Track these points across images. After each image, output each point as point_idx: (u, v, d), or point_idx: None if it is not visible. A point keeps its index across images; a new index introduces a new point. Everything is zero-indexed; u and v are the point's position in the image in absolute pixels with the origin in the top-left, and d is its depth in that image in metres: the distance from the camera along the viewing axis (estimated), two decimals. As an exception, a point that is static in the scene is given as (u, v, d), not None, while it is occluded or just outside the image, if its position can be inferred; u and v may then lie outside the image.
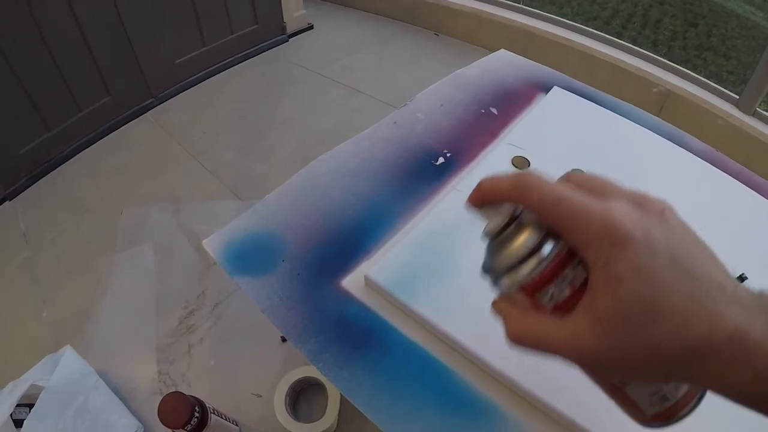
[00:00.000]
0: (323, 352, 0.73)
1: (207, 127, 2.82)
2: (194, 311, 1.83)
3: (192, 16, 2.93)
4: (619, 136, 1.15)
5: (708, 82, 2.84)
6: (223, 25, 3.15)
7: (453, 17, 3.65)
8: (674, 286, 0.32)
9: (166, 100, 2.97)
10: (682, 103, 2.86)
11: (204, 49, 3.10)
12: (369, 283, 0.79)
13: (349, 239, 0.88)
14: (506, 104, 1.22)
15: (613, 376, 0.38)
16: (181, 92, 3.04)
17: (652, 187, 0.94)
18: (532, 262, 0.37)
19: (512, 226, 0.39)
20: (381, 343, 0.74)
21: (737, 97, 2.73)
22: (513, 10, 3.45)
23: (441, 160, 1.04)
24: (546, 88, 1.27)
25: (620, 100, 1.31)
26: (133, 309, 1.87)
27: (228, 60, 3.28)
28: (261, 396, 1.57)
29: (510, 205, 0.39)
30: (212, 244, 0.88)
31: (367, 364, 0.72)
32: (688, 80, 2.90)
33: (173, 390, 1.21)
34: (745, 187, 1.07)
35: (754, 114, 2.69)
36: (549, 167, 1.01)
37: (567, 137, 1.12)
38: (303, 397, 1.55)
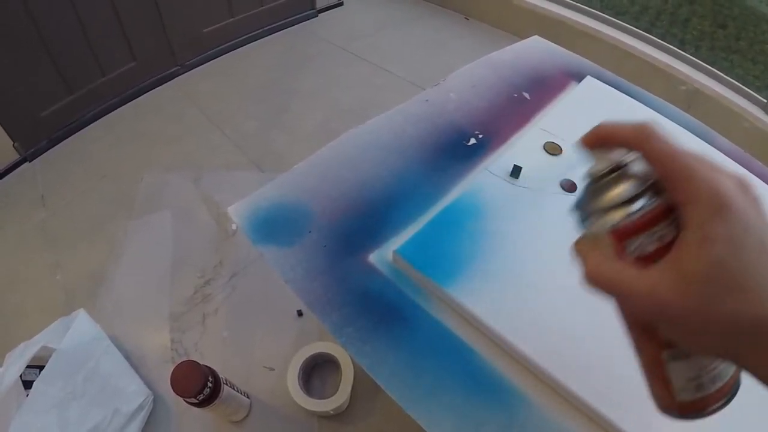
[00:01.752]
0: (347, 326, 0.73)
1: (231, 98, 2.81)
2: (210, 281, 1.82)
3: (221, -15, 2.91)
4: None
5: (737, 83, 2.80)
6: (252, -3, 3.13)
7: (484, 2, 3.61)
8: (759, 264, 0.32)
9: (192, 69, 2.96)
10: (709, 103, 2.83)
11: (232, 19, 3.07)
12: (396, 259, 0.78)
13: (378, 214, 0.87)
14: (539, 90, 1.21)
15: (675, 338, 0.38)
16: (207, 62, 3.02)
17: None
18: (629, 208, 0.37)
19: (618, 172, 0.38)
20: (406, 320, 0.74)
21: (765, 101, 2.69)
22: (542, -1, 3.42)
23: (473, 140, 1.03)
24: (579, 77, 1.25)
25: (652, 95, 1.31)
26: (147, 275, 1.87)
27: (256, 32, 3.25)
28: (274, 369, 1.57)
29: (620, 152, 0.39)
30: (237, 212, 0.87)
31: (391, 341, 0.71)
32: (716, 80, 2.86)
33: (185, 359, 1.20)
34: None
35: (782, 119, 2.66)
36: (582, 158, 0.99)
37: (599, 127, 1.10)
38: (316, 373, 1.54)
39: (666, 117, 1.19)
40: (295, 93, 2.87)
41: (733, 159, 1.11)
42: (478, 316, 0.72)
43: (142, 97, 2.77)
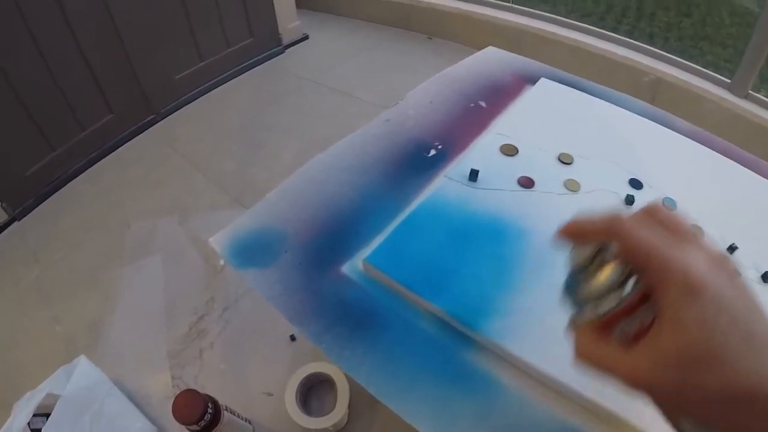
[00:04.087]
0: (325, 333, 0.78)
1: (209, 140, 2.86)
2: (204, 317, 1.87)
3: (187, 32, 2.97)
4: (606, 121, 1.20)
5: (698, 68, 2.87)
6: (219, 39, 3.19)
7: (445, 20, 3.69)
8: (732, 342, 0.35)
9: (168, 116, 3.01)
10: (673, 91, 2.89)
11: (202, 63, 3.13)
12: (366, 266, 0.84)
13: (347, 229, 0.92)
14: (494, 97, 1.26)
15: (662, 410, 0.41)
16: (182, 107, 3.08)
17: (644, 168, 0.99)
18: (613, 298, 0.40)
19: (597, 261, 0.42)
20: (380, 322, 0.79)
21: (729, 81, 2.76)
22: (503, 10, 3.49)
23: (433, 152, 1.08)
24: (533, 81, 1.31)
25: (607, 88, 1.36)
26: (143, 318, 1.91)
27: (226, 73, 3.31)
28: (272, 394, 1.60)
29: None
30: (218, 241, 0.93)
31: (368, 343, 0.76)
32: (678, 67, 2.93)
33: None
34: (733, 162, 1.12)
35: (747, 97, 2.72)
36: (537, 154, 1.05)
37: (554, 125, 1.16)
38: (314, 393, 1.58)
39: (623, 107, 1.25)
40: (269, 129, 2.93)
41: (695, 139, 1.17)
42: (445, 311, 0.77)
43: (122, 147, 2.81)
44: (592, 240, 0.42)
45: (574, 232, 0.44)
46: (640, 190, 1.02)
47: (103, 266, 2.13)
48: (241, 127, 2.96)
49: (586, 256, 0.42)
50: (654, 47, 3.02)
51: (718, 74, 2.81)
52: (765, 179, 1.10)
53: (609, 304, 0.41)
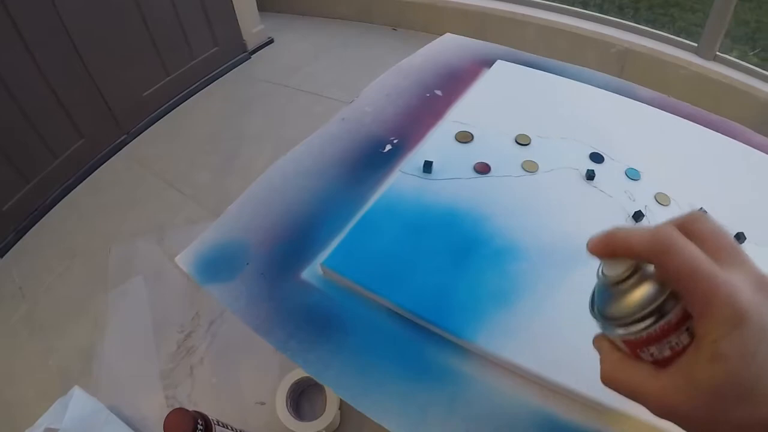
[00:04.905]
0: (289, 340, 0.78)
1: (182, 155, 2.85)
2: (191, 333, 1.86)
3: (151, 47, 2.94)
4: (566, 98, 1.20)
5: (665, 34, 2.88)
6: (184, 52, 3.17)
7: (409, 10, 3.68)
8: None
9: (139, 135, 2.99)
10: (642, 60, 2.89)
11: (168, 78, 3.11)
12: (324, 270, 0.84)
13: (306, 235, 0.92)
14: (451, 85, 1.26)
15: None
16: (153, 124, 3.05)
17: (607, 141, 0.99)
18: (647, 321, 0.37)
19: (635, 277, 0.38)
20: (343, 324, 0.79)
21: (696, 45, 2.77)
22: (466, -6, 3.48)
23: (388, 147, 1.08)
24: (491, 64, 1.31)
25: (568, 64, 1.35)
26: (133, 341, 1.90)
27: (194, 85, 3.29)
28: (264, 403, 1.60)
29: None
30: (183, 260, 0.92)
31: (332, 346, 0.76)
32: (645, 36, 2.93)
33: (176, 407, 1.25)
34: (698, 125, 1.13)
35: (715, 59, 2.73)
36: (494, 137, 1.05)
37: (512, 107, 1.16)
38: (305, 397, 1.58)
39: (584, 81, 1.24)
40: (241, 137, 2.92)
41: (659, 107, 1.17)
42: (405, 307, 0.77)
43: (96, 171, 2.79)
44: (633, 257, 0.39)
45: (611, 249, 0.40)
46: (601, 164, 1.02)
47: (89, 293, 2.12)
48: (212, 138, 2.96)
49: (620, 272, 0.39)
50: (625, 19, 3.02)
51: (687, 39, 2.82)
52: (732, 139, 1.11)
53: (644, 324, 0.37)
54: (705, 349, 0.34)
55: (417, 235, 0.86)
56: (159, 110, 3.10)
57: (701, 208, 0.92)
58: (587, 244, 0.41)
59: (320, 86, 3.23)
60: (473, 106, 1.15)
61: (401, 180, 0.96)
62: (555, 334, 0.73)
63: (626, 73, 2.98)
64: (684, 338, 0.37)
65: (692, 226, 0.39)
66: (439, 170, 0.97)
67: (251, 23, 3.58)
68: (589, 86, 1.23)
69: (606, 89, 1.23)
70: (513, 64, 1.30)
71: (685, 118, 1.15)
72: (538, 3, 3.25)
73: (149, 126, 3.04)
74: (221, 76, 3.44)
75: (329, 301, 0.82)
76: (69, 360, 1.90)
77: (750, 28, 3.84)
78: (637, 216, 0.91)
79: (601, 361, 0.42)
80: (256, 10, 3.62)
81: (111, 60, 2.73)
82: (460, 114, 1.12)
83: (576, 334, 0.72)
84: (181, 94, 3.22)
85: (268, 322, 0.80)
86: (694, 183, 0.99)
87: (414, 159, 1.00)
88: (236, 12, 3.39)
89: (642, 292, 0.37)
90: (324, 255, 0.86)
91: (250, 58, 3.62)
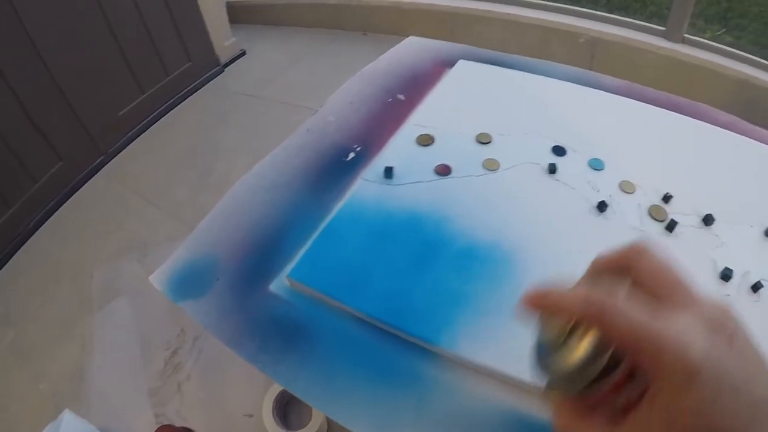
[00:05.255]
0: (260, 353, 0.79)
1: (160, 172, 2.86)
2: (177, 350, 1.87)
3: (124, 66, 2.95)
4: (528, 93, 1.21)
5: (632, 20, 2.91)
6: (157, 68, 3.18)
7: (377, 14, 3.71)
8: (732, 415, 0.32)
9: (117, 154, 3.00)
10: (611, 48, 2.92)
11: (143, 96, 3.11)
12: (290, 282, 0.85)
13: (273, 247, 0.93)
14: (414, 88, 1.27)
15: None
16: (130, 143, 3.06)
17: (570, 133, 1.00)
18: (594, 379, 0.36)
19: (575, 336, 0.37)
20: (311, 334, 0.80)
21: (663, 28, 2.79)
22: (432, -6, 3.49)
23: (352, 155, 1.09)
24: (454, 65, 1.32)
25: (531, 58, 1.36)
26: (121, 361, 1.91)
27: (169, 102, 3.30)
28: (252, 416, 1.62)
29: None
30: (157, 279, 0.93)
31: (301, 356, 0.77)
32: (612, 23, 2.96)
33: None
34: (663, 110, 1.14)
35: (684, 41, 2.76)
36: (455, 138, 1.06)
37: (473, 106, 1.17)
38: (292, 407, 1.58)
39: (549, 75, 1.25)
40: (217, 152, 2.94)
41: (625, 95, 1.18)
42: (369, 314, 0.78)
43: (77, 193, 2.80)
44: (568, 318, 0.38)
45: (545, 307, 0.40)
46: (563, 157, 1.03)
47: (75, 316, 2.13)
48: (189, 154, 2.97)
49: (557, 330, 0.38)
50: (598, 7, 3.04)
51: (656, 24, 2.84)
52: (698, 121, 1.12)
53: (588, 379, 0.36)
54: (659, 407, 0.34)
55: (380, 241, 0.87)
56: (136, 128, 3.11)
57: (667, 194, 0.94)
58: (521, 299, 0.41)
59: (294, 96, 3.24)
60: (434, 108, 1.17)
61: (363, 187, 0.97)
62: (520, 333, 0.74)
63: (596, 62, 3.00)
64: (636, 388, 0.36)
65: (635, 262, 0.39)
66: (401, 175, 0.99)
67: (223, 36, 3.59)
68: (553, 80, 1.24)
69: (570, 81, 1.23)
70: (475, 63, 1.31)
71: (650, 103, 1.16)
72: (504, -1, 3.27)
73: (127, 144, 3.06)
74: (196, 91, 3.45)
75: (297, 311, 0.83)
76: (59, 383, 1.91)
77: (721, 7, 3.86)
78: (601, 206, 0.92)
79: (555, 416, 0.41)
80: (227, 23, 3.63)
81: (85, 81, 2.74)
82: (421, 117, 1.14)
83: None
84: (156, 111, 3.23)
85: (239, 336, 0.82)
86: (659, 168, 1.00)
87: (376, 165, 1.02)
88: (207, 26, 3.40)
89: (584, 349, 0.36)
90: (291, 266, 0.87)
91: (223, 71, 3.63)
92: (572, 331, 0.37)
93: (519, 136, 1.08)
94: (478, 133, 1.08)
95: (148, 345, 1.93)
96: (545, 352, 0.39)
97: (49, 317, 2.17)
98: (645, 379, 0.35)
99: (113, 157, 2.98)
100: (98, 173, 2.91)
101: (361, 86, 1.30)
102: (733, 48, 2.71)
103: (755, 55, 2.67)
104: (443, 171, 0.99)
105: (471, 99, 1.19)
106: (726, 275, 0.81)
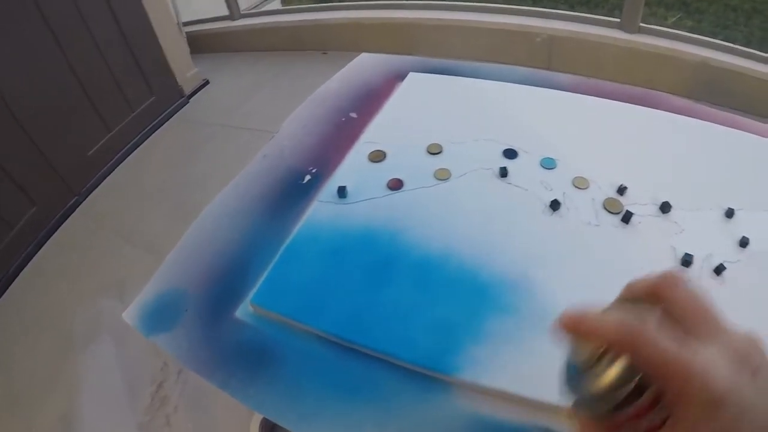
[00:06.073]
0: (230, 378, 0.81)
1: (133, 208, 2.87)
2: (162, 383, 1.88)
3: (89, 106, 2.96)
4: (479, 99, 1.24)
5: (587, 15, 2.96)
6: (122, 105, 3.19)
7: (336, 32, 3.74)
8: None
9: (90, 194, 3.00)
10: (568, 44, 2.96)
11: (110, 134, 3.12)
12: (254, 307, 0.87)
13: (236, 275, 0.95)
14: (366, 105, 1.30)
15: None
16: (102, 182, 3.07)
17: (522, 135, 1.03)
18: (621, 403, 0.37)
19: (605, 360, 0.38)
20: (277, 357, 0.82)
21: (618, 20, 2.84)
22: (387, 8, 3.54)
23: (308, 177, 1.12)
24: (405, 78, 1.34)
25: (484, 63, 1.39)
26: (108, 400, 1.92)
27: (137, 137, 3.30)
28: (241, 440, 1.64)
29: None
30: (129, 315, 0.95)
31: (269, 379, 0.80)
32: (567, 20, 3.01)
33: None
34: (617, 102, 1.17)
35: (640, 30, 2.81)
36: (406, 152, 1.09)
37: (425, 117, 1.20)
38: (279, 429, 1.60)
39: (501, 80, 1.28)
40: (188, 183, 2.96)
41: (575, 90, 1.22)
42: (330, 332, 0.81)
43: (53, 236, 2.80)
44: (601, 343, 0.38)
45: (579, 332, 0.40)
46: (515, 159, 1.06)
47: (61, 360, 2.14)
48: (161, 188, 2.98)
49: (589, 352, 0.39)
50: (556, 5, 3.08)
51: (607, 17, 2.89)
52: (652, 109, 1.15)
53: (615, 402, 0.37)
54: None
55: (337, 260, 0.89)
56: (106, 167, 3.11)
57: (621, 185, 0.96)
58: (556, 321, 0.41)
59: (259, 121, 3.28)
60: (386, 124, 1.19)
61: (319, 209, 1.00)
62: (477, 337, 0.77)
63: (555, 60, 3.04)
64: (659, 415, 0.36)
65: (668, 294, 0.39)
66: (354, 193, 1.01)
67: (185, 68, 3.61)
68: (504, 83, 1.27)
69: (523, 83, 1.26)
70: (425, 74, 1.33)
71: (604, 96, 1.19)
72: (456, 6, 3.31)
73: (99, 184, 3.06)
74: (162, 124, 3.46)
75: (262, 335, 0.85)
76: (50, 428, 1.91)
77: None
78: (554, 205, 0.95)
79: None
80: (188, 54, 3.65)
81: (52, 124, 2.75)
82: (372, 134, 1.16)
83: (497, 334, 0.76)
84: (125, 148, 3.23)
85: (209, 364, 0.84)
86: (613, 160, 1.03)
87: (330, 186, 1.04)
88: (168, 59, 3.41)
89: (613, 374, 0.37)
90: (253, 292, 0.89)
91: (188, 102, 3.64)
92: (603, 354, 0.38)
93: (470, 143, 1.11)
94: (429, 144, 1.10)
95: (133, 381, 1.94)
96: (575, 373, 0.40)
97: (36, 364, 2.17)
98: (668, 406, 0.36)
99: (86, 197, 2.98)
100: (73, 214, 2.91)
101: (314, 108, 1.33)
102: (695, 32, 2.76)
103: (717, 37, 2.73)
104: (395, 185, 1.02)
105: (422, 111, 1.22)
106: (686, 261, 0.84)
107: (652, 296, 0.40)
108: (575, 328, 0.40)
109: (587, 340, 0.39)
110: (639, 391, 0.36)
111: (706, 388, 0.33)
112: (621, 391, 0.36)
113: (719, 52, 2.70)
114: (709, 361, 0.34)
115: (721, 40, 2.75)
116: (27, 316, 2.40)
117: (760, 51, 2.66)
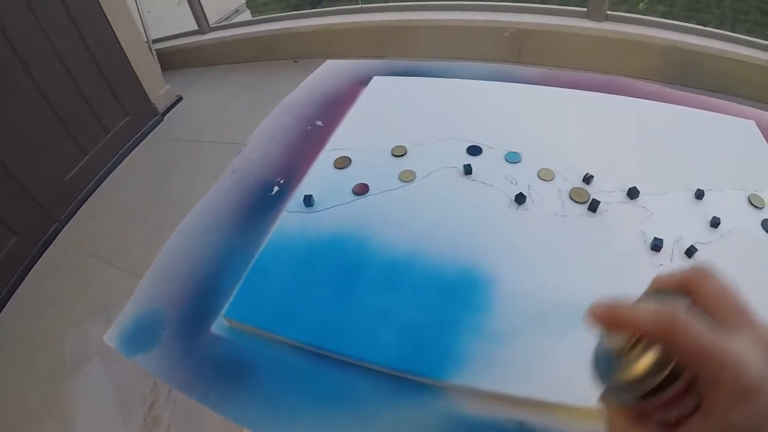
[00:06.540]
0: (209, 393, 0.82)
1: (114, 231, 2.87)
2: (154, 403, 1.89)
3: (63, 132, 2.96)
4: (443, 98, 1.25)
5: (552, 7, 2.99)
6: (96, 128, 3.18)
7: (306, 40, 3.76)
8: None
9: (69, 219, 3.00)
10: (536, 37, 2.99)
11: (86, 158, 3.12)
12: (228, 321, 0.88)
13: (210, 290, 0.96)
14: (331, 112, 1.31)
15: None
16: (81, 206, 3.07)
17: (486, 131, 1.08)
18: (653, 390, 0.37)
19: (638, 348, 0.38)
20: (253, 368, 0.83)
21: (585, 10, 2.87)
22: (355, 13, 3.55)
23: (276, 188, 1.13)
24: (368, 82, 1.35)
25: (448, 62, 1.41)
26: (102, 424, 1.93)
27: (113, 159, 3.30)
28: (234, 454, 1.64)
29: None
30: (109, 337, 0.96)
31: (248, 391, 0.81)
32: (534, 13, 3.03)
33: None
34: (581, 91, 1.19)
35: (607, 18, 2.83)
36: (371, 156, 1.10)
37: (389, 120, 1.21)
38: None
39: (465, 77, 1.30)
40: (168, 202, 2.96)
41: (538, 83, 1.24)
42: (303, 341, 0.82)
43: (36, 265, 2.79)
44: (638, 334, 0.39)
45: (614, 322, 0.40)
46: (478, 156, 1.08)
47: (53, 386, 2.14)
48: (140, 208, 2.98)
49: (622, 343, 0.39)
50: (528, 0, 3.10)
51: (572, 6, 2.92)
52: (616, 96, 1.17)
53: (646, 390, 0.38)
54: (715, 421, 0.35)
55: (307, 269, 0.90)
56: (84, 191, 3.11)
57: (587, 174, 0.98)
58: (589, 312, 0.41)
59: (234, 135, 3.25)
60: (350, 130, 1.20)
61: (287, 219, 1.00)
62: (449, 336, 0.79)
63: (524, 53, 3.06)
64: (690, 403, 0.37)
65: (697, 286, 0.40)
66: (321, 201, 1.02)
67: (157, 86, 3.61)
68: (467, 81, 1.28)
69: (488, 78, 1.28)
70: (389, 77, 1.34)
71: (569, 86, 1.21)
72: (422, 6, 3.33)
73: (78, 208, 3.05)
74: (138, 144, 3.46)
75: (239, 348, 0.86)
76: (46, 455, 1.92)
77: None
78: (519, 198, 0.96)
79: (608, 423, 0.42)
80: (160, 72, 3.65)
81: (26, 152, 2.74)
82: (337, 140, 1.17)
83: (468, 331, 0.78)
84: (102, 170, 3.23)
85: (189, 380, 0.85)
86: (579, 150, 1.05)
87: (298, 196, 1.05)
88: (140, 78, 3.41)
89: (646, 362, 0.38)
90: (227, 306, 0.90)
91: (162, 119, 3.64)
92: (635, 343, 0.39)
93: (434, 143, 1.12)
94: (393, 146, 1.11)
95: (125, 403, 1.95)
96: (607, 362, 0.41)
97: (29, 393, 2.17)
98: (701, 394, 0.36)
99: (66, 223, 2.98)
100: (54, 241, 2.90)
101: (280, 119, 1.34)
102: (667, 16, 2.78)
103: (689, 21, 2.76)
104: (361, 190, 1.03)
105: (386, 114, 1.23)
106: (656, 245, 0.85)
107: (681, 289, 0.41)
108: (609, 318, 0.40)
109: (621, 329, 0.40)
110: (671, 380, 0.37)
111: (741, 377, 0.34)
112: (654, 379, 0.37)
113: (689, 35, 2.73)
114: (743, 350, 0.35)
115: (694, 23, 2.78)
116: (16, 347, 2.40)
117: (732, 32, 2.68)
